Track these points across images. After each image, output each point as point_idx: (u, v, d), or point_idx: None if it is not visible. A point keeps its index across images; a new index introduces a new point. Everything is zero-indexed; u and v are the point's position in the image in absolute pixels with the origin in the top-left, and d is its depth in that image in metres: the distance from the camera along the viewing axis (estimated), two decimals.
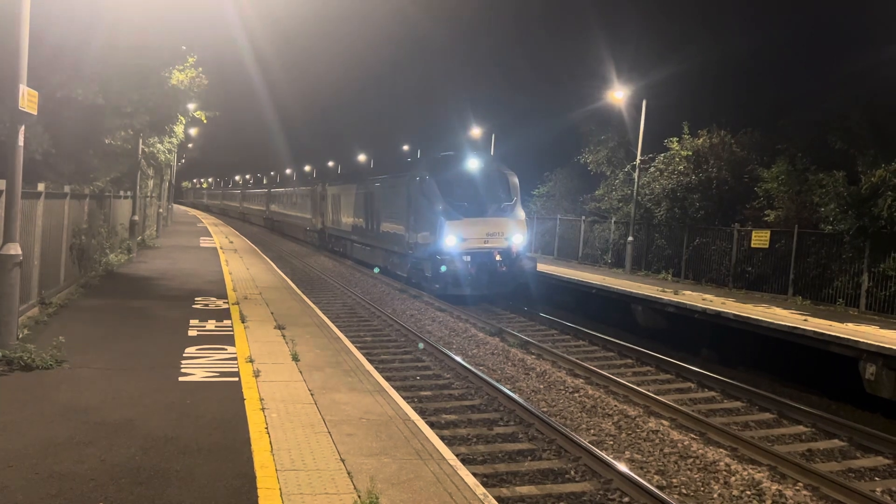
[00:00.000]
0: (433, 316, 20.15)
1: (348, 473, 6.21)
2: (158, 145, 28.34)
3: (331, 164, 76.58)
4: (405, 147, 61.69)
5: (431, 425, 8.95)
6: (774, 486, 8.50)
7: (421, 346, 15.76)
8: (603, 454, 9.20)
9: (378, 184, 29.03)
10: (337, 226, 36.55)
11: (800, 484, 8.59)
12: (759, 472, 8.97)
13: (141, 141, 23.67)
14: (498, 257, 21.70)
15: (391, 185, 27.10)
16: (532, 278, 22.47)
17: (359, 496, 5.66)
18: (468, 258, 21.34)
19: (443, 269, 21.30)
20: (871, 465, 9.63)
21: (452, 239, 21.53)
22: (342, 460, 6.51)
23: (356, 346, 12.08)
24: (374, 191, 29.40)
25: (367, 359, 11.26)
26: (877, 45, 24.06)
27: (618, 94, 27.02)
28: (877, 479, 9.20)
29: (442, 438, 8.16)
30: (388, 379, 10.50)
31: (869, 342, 12.65)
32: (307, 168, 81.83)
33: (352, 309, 21.00)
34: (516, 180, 23.79)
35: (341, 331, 13.35)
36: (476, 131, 45.38)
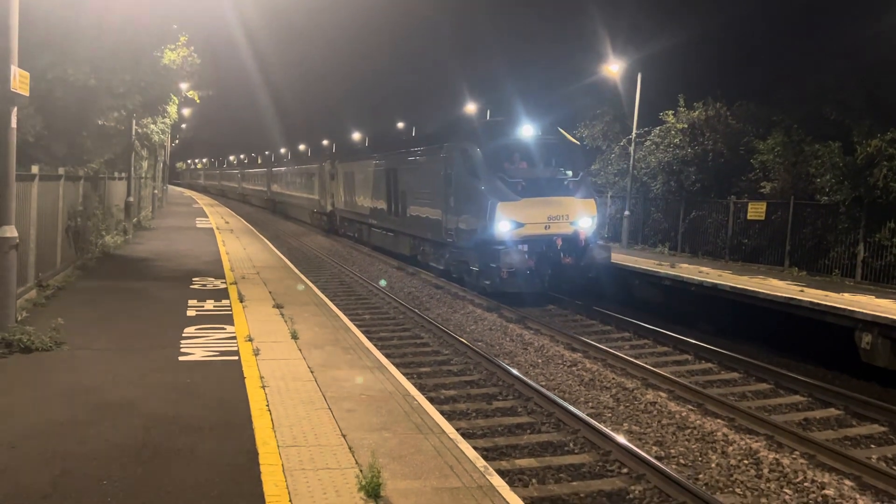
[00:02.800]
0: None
1: (349, 448, 6.26)
2: (152, 126, 28.17)
3: (325, 142, 76.15)
4: (400, 124, 61.37)
5: (431, 401, 9.02)
6: (771, 455, 8.59)
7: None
8: (601, 426, 9.28)
9: (404, 158, 24.63)
10: (350, 208, 32.13)
11: (796, 452, 8.68)
12: (757, 441, 9.06)
13: (134, 121, 23.53)
14: (560, 244, 17.80)
15: (422, 159, 22.72)
16: (605, 272, 18.32)
17: (360, 470, 5.71)
18: (524, 248, 17.38)
19: (494, 261, 17.40)
20: (867, 432, 9.73)
21: (506, 224, 17.43)
22: (343, 436, 6.56)
23: (355, 324, 12.12)
24: (398, 167, 24.91)
25: (367, 336, 11.31)
26: (874, 16, 23.90)
27: (613, 68, 26.87)
28: (872, 446, 9.30)
29: (442, 413, 8.22)
30: (387, 356, 10.55)
31: (864, 312, 12.72)
32: (301, 147, 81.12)
33: (349, 287, 21.02)
34: (582, 151, 20.03)
35: (340, 309, 13.38)
36: (471, 107, 45.18)
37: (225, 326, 10.89)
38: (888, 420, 9.97)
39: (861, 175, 17.31)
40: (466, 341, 13.84)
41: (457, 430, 7.40)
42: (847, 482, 7.89)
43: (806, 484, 7.84)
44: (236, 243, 24.49)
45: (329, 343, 10.20)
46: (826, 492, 7.62)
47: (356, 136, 65.88)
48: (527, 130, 19.08)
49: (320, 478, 5.65)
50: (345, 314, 12.86)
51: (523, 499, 6.74)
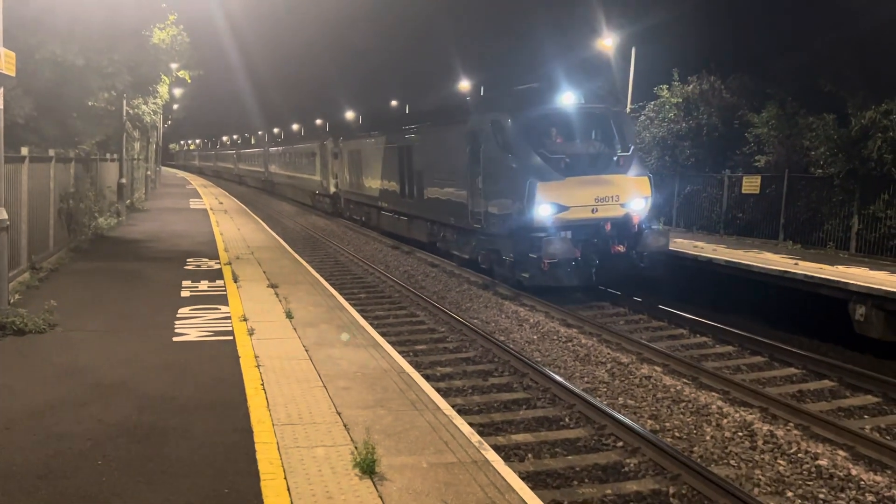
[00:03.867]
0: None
1: (344, 426, 6.27)
2: (143, 106, 27.97)
3: (319, 121, 75.69)
4: (393, 102, 61.00)
5: (426, 378, 9.03)
6: (766, 427, 8.64)
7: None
8: (596, 400, 9.32)
9: (420, 134, 22.20)
10: (357, 189, 29.67)
11: (790, 424, 8.74)
12: (751, 413, 9.11)
13: (125, 102, 23.34)
14: (609, 230, 15.39)
15: (443, 134, 20.15)
16: (661, 262, 15.87)
17: (355, 447, 5.72)
18: (568, 234, 15.04)
19: (534, 251, 14.99)
20: (861, 403, 9.79)
21: (547, 208, 15.06)
22: (338, 413, 6.57)
23: (350, 303, 12.11)
24: (413, 144, 22.39)
25: (362, 315, 11.30)
26: None
27: (607, 42, 26.70)
28: (866, 416, 9.36)
29: (437, 390, 8.24)
30: (383, 335, 10.55)
31: (858, 283, 12.75)
32: (295, 127, 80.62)
33: (345, 267, 21.00)
34: (630, 123, 17.57)
35: (335, 288, 13.37)
36: (464, 84, 44.93)
37: (219, 307, 10.87)
38: (881, 391, 10.03)
39: (855, 147, 17.27)
40: (462, 318, 13.85)
41: (452, 406, 7.42)
42: (841, 452, 7.95)
43: (800, 455, 7.89)
44: (230, 224, 24.41)
45: (324, 322, 10.19)
46: (820, 462, 7.67)
47: (349, 114, 65.46)
48: (567, 98, 16.53)
49: (315, 455, 5.66)
50: (340, 293, 12.84)
51: (519, 473, 6.78)
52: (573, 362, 11.53)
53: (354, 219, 31.53)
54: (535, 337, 13.05)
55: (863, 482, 7.23)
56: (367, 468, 5.33)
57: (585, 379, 10.70)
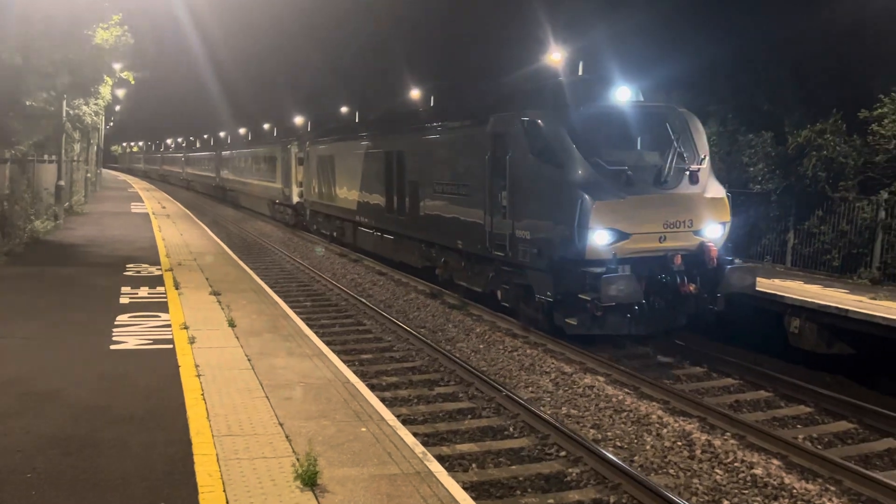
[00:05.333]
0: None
1: (286, 437, 6.18)
2: (84, 107, 27.22)
3: (266, 126, 74.74)
4: (343, 109, 60.67)
5: (372, 388, 8.98)
6: (704, 437, 8.82)
7: None
8: (540, 410, 9.39)
9: (417, 138, 18.22)
10: (328, 200, 25.75)
11: (728, 434, 8.94)
12: (690, 423, 9.29)
13: (65, 102, 22.69)
14: (679, 264, 11.93)
15: (448, 138, 16.49)
16: (742, 304, 12.83)
17: (297, 459, 5.65)
18: (626, 269, 11.64)
19: (588, 290, 11.40)
20: (794, 413, 10.08)
21: (604, 235, 11.66)
22: (280, 424, 6.48)
23: (295, 312, 11.97)
24: (407, 149, 18.67)
25: (307, 324, 11.18)
26: (803, 11, 24.63)
27: (555, 56, 27.09)
28: (799, 426, 9.64)
29: (382, 400, 8.20)
30: (328, 344, 10.45)
31: (794, 297, 13.14)
32: (241, 131, 79.35)
33: (290, 274, 20.76)
34: (701, 127, 13.71)
35: (279, 296, 13.21)
36: (416, 92, 45.01)
37: (159, 314, 10.63)
38: (814, 401, 10.34)
39: (792, 164, 17.86)
40: (409, 328, 13.82)
41: (397, 416, 7.40)
42: (775, 461, 8.16)
43: (736, 464, 8.08)
44: (173, 229, 23.91)
45: (267, 330, 10.05)
46: (755, 471, 7.87)
47: (298, 120, 64.79)
48: (622, 94, 13.24)
49: (255, 467, 5.57)
50: (284, 301, 12.69)
51: (462, 483, 6.79)
52: (518, 371, 11.60)
53: (323, 233, 27.82)
54: (481, 346, 13.09)
55: (795, 490, 7.44)
56: (309, 480, 5.27)
57: (530, 388, 10.78)
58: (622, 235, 11.80)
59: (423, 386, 10.73)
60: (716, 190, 12.86)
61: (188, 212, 33.34)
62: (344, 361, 9.08)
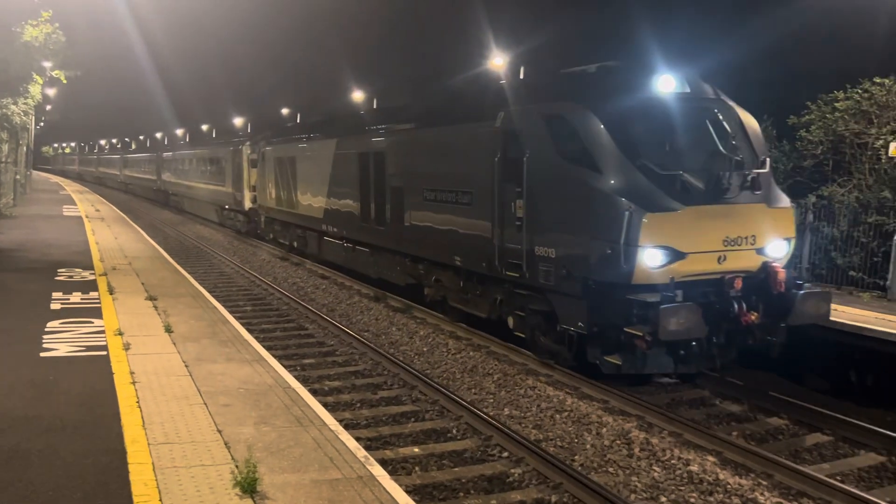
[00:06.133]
0: None
1: (225, 444, 6.08)
2: (13, 107, 26.23)
3: (205, 127, 73.26)
4: (284, 111, 59.94)
5: (314, 393, 8.91)
6: (642, 435, 9.01)
7: None
8: (483, 412, 9.45)
9: (402, 137, 15.68)
10: (288, 207, 23.20)
11: (665, 432, 9.15)
12: (629, 422, 9.48)
13: None
14: (739, 289, 9.89)
15: (445, 136, 13.86)
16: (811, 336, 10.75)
17: (236, 466, 5.56)
18: (678, 295, 9.62)
19: (638, 323, 9.48)
20: (730, 410, 10.36)
21: (656, 255, 9.58)
22: (219, 431, 6.37)
23: (234, 316, 11.78)
24: (388, 150, 16.08)
25: (247, 328, 11.01)
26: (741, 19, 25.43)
27: (497, 61, 27.33)
28: (734, 423, 9.92)
29: (325, 405, 8.14)
30: (269, 349, 10.31)
31: None
32: (181, 131, 77.36)
33: (230, 278, 20.40)
34: (755, 123, 11.50)
35: (219, 300, 12.97)
36: (358, 94, 44.78)
37: (93, 320, 10.32)
38: (747, 399, 10.65)
39: None
40: (352, 331, 13.74)
41: (340, 420, 7.36)
42: (710, 458, 8.39)
43: (673, 461, 8.27)
44: (107, 232, 23.24)
45: (206, 336, 9.86)
46: (691, 468, 8.07)
47: (238, 121, 63.70)
48: (666, 83, 10.79)
49: (193, 475, 5.45)
50: (224, 306, 12.48)
51: (406, 487, 6.78)
52: (461, 374, 11.64)
53: (281, 243, 25.49)
54: (425, 349, 13.10)
55: (729, 485, 7.65)
56: (248, 487, 5.18)
57: (473, 390, 10.83)
58: (676, 255, 9.62)
59: (366, 390, 10.67)
60: (780, 199, 10.65)
61: (124, 215, 32.45)
62: (285, 366, 8.98)
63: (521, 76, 20.71)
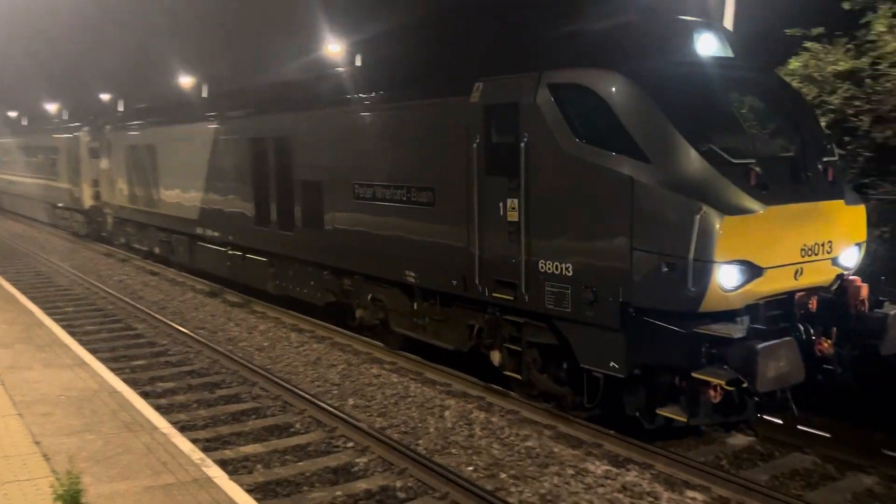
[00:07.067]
0: None
1: (44, 456, 5.63)
2: None
3: (13, 113, 66.70)
4: (105, 96, 55.75)
5: (145, 396, 8.45)
6: (483, 415, 9.29)
7: None
8: (326, 404, 9.38)
9: (325, 118, 12.27)
10: (148, 206, 19.64)
11: (504, 410, 9.49)
12: (470, 403, 9.74)
13: None
14: (814, 309, 7.78)
15: (391, 115, 10.87)
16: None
17: (57, 478, 5.15)
18: (745, 322, 7.35)
19: (699, 364, 7.06)
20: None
21: (732, 273, 7.19)
22: (37, 443, 5.89)
23: (53, 319, 10.90)
24: (303, 135, 12.74)
25: (68, 331, 10.23)
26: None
27: (333, 48, 27.02)
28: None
29: (158, 408, 7.74)
30: (93, 352, 9.64)
31: None
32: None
33: (48, 278, 18.84)
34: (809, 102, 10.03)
35: (35, 303, 11.96)
36: (185, 81, 42.63)
37: None
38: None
39: None
40: (187, 329, 13.15)
41: (175, 423, 7.05)
42: (546, 433, 8.80)
43: (512, 438, 8.60)
44: None
45: (20, 342, 9.08)
46: (528, 443, 8.44)
47: (52, 108, 58.63)
48: (707, 44, 8.47)
49: (7, 492, 5.00)
50: (40, 308, 11.52)
51: (247, 486, 6.60)
52: (304, 367, 11.47)
53: (135, 248, 22.09)
54: (265, 344, 12.78)
55: (563, 458, 8.07)
56: (71, 500, 4.83)
57: (317, 383, 10.71)
58: (754, 271, 7.32)
59: (203, 389, 10.26)
60: (853, 195, 8.41)
61: None
62: (111, 370, 8.46)
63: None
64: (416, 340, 11.06)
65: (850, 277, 8.13)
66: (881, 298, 8.26)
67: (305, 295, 13.47)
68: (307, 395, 9.66)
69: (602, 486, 7.37)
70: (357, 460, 7.93)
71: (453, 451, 8.26)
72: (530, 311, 8.72)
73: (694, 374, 7.05)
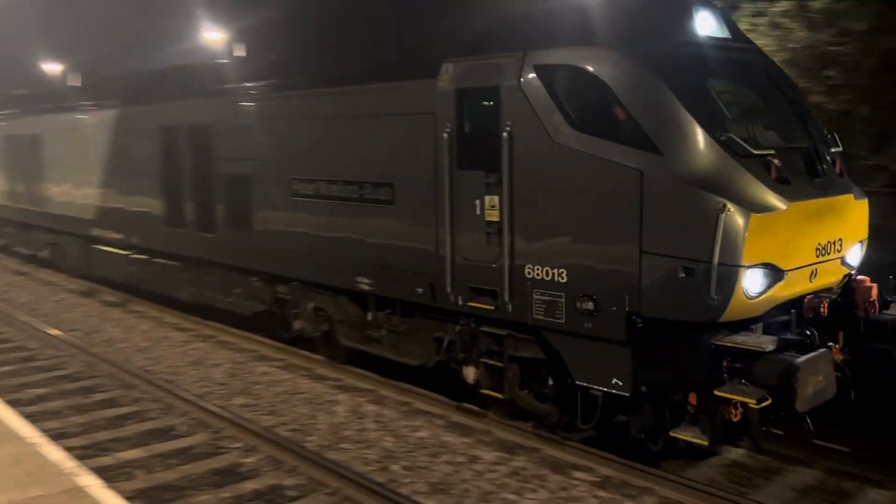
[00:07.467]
0: None
1: None
2: None
3: None
4: None
5: (11, 404, 7.92)
6: (374, 408, 9.27)
7: None
8: (211, 405, 9.11)
9: (258, 103, 10.94)
10: (32, 204, 17.88)
11: (397, 401, 9.49)
12: (361, 396, 9.69)
13: None
14: (825, 314, 7.21)
15: (338, 101, 9.60)
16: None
17: None
18: (758, 329, 6.85)
19: (720, 380, 6.47)
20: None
21: (756, 277, 6.49)
22: None
23: None
24: (229, 123, 11.31)
25: None
26: None
27: (215, 36, 26.05)
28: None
29: (26, 416, 7.27)
30: None
31: None
32: None
33: None
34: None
35: None
36: (52, 68, 39.92)
37: None
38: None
39: None
40: (59, 331, 12.42)
41: (45, 431, 6.64)
42: (437, 422, 8.87)
43: (404, 430, 8.63)
44: None
45: None
46: (419, 434, 8.49)
47: None
48: (705, 23, 7.70)
49: None
50: None
51: (126, 493, 6.32)
52: (187, 367, 11.07)
53: (16, 252, 20.27)
54: (146, 344, 12.25)
55: (454, 446, 8.17)
56: None
57: (202, 383, 10.36)
58: (777, 275, 6.68)
59: (77, 395, 9.74)
60: (858, 189, 7.98)
61: None
62: None
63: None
64: (369, 354, 9.94)
65: (859, 277, 7.67)
66: (889, 299, 7.80)
67: (229, 304, 12.11)
68: (191, 397, 9.34)
69: (491, 471, 7.52)
70: (245, 461, 7.74)
71: (345, 445, 8.20)
72: (514, 323, 7.73)
73: (717, 392, 6.34)
